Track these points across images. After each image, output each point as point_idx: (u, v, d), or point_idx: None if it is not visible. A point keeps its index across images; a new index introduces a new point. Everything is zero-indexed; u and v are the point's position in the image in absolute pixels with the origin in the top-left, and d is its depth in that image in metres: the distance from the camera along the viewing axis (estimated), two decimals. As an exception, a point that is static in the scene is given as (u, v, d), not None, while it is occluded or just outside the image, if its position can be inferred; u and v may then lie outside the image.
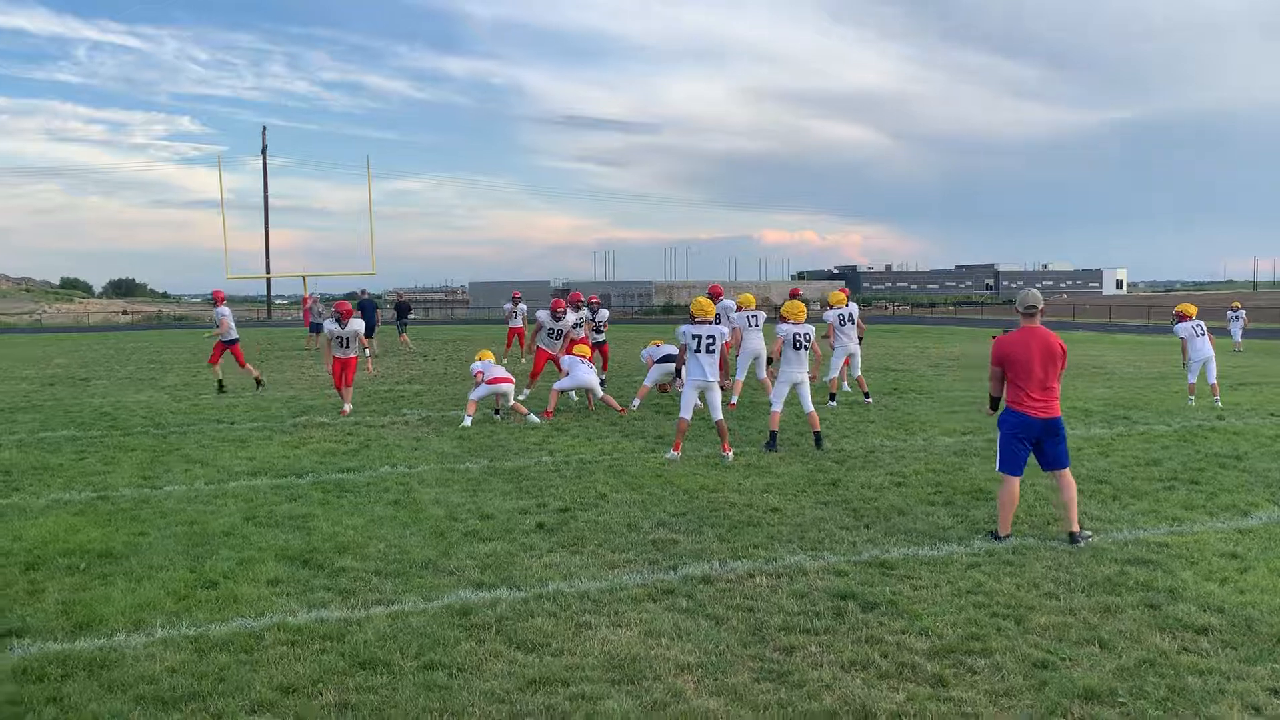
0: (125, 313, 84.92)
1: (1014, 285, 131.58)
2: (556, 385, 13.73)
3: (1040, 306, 7.02)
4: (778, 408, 11.08)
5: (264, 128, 72.11)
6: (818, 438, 10.95)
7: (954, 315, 70.04)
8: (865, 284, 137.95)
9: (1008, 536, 6.92)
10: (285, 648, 5.04)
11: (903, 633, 5.16)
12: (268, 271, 74.74)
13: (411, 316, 47.33)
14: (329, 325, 14.11)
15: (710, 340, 10.36)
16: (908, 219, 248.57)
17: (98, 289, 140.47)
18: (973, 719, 4.18)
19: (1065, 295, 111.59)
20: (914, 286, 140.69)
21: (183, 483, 9.24)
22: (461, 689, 4.52)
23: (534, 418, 12.95)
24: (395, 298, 37.95)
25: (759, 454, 10.45)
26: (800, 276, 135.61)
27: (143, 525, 7.58)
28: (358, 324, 14.13)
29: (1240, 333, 28.93)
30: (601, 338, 16.94)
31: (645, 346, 15.33)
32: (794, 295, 13.18)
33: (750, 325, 14.38)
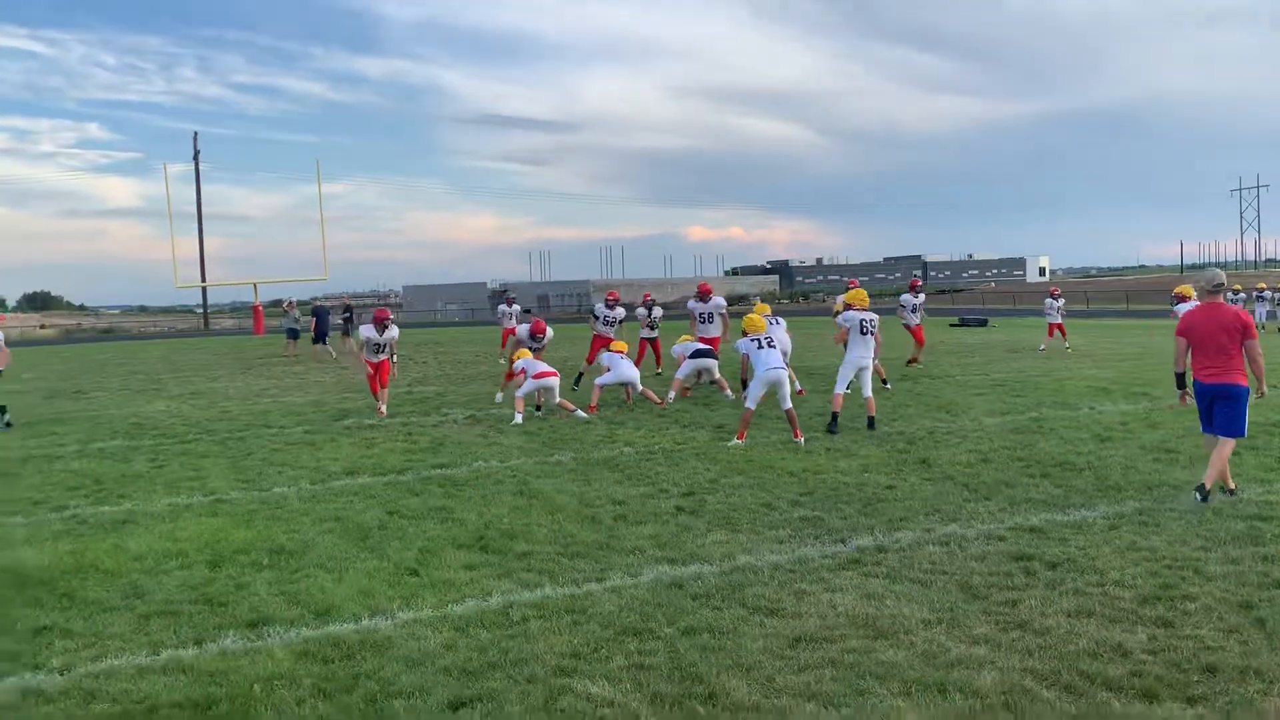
0: (43, 326, 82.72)
1: (941, 275, 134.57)
2: (599, 380, 14.06)
3: (1223, 283, 7.64)
4: (841, 390, 11.56)
5: (195, 134, 70.77)
6: (870, 421, 11.45)
7: (888, 305, 71.59)
8: (798, 278, 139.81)
9: (1228, 491, 7.57)
10: (538, 622, 5.33)
11: (1100, 585, 5.63)
12: (203, 280, 73.43)
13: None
14: (366, 331, 14.21)
15: (770, 339, 10.90)
16: (832, 213, 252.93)
17: (11, 303, 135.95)
18: (1217, 650, 4.65)
19: (993, 285, 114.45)
20: (845, 279, 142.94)
21: (288, 484, 9.38)
22: (735, 648, 4.87)
23: (581, 412, 13.24)
24: (344, 303, 37.63)
25: (828, 438, 10.89)
26: (734, 272, 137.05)
27: (289, 524, 7.75)
28: (394, 330, 14.29)
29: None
30: (655, 334, 17.56)
31: (675, 343, 15.68)
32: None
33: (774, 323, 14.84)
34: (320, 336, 27.34)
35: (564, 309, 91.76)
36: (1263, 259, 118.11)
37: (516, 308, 23.29)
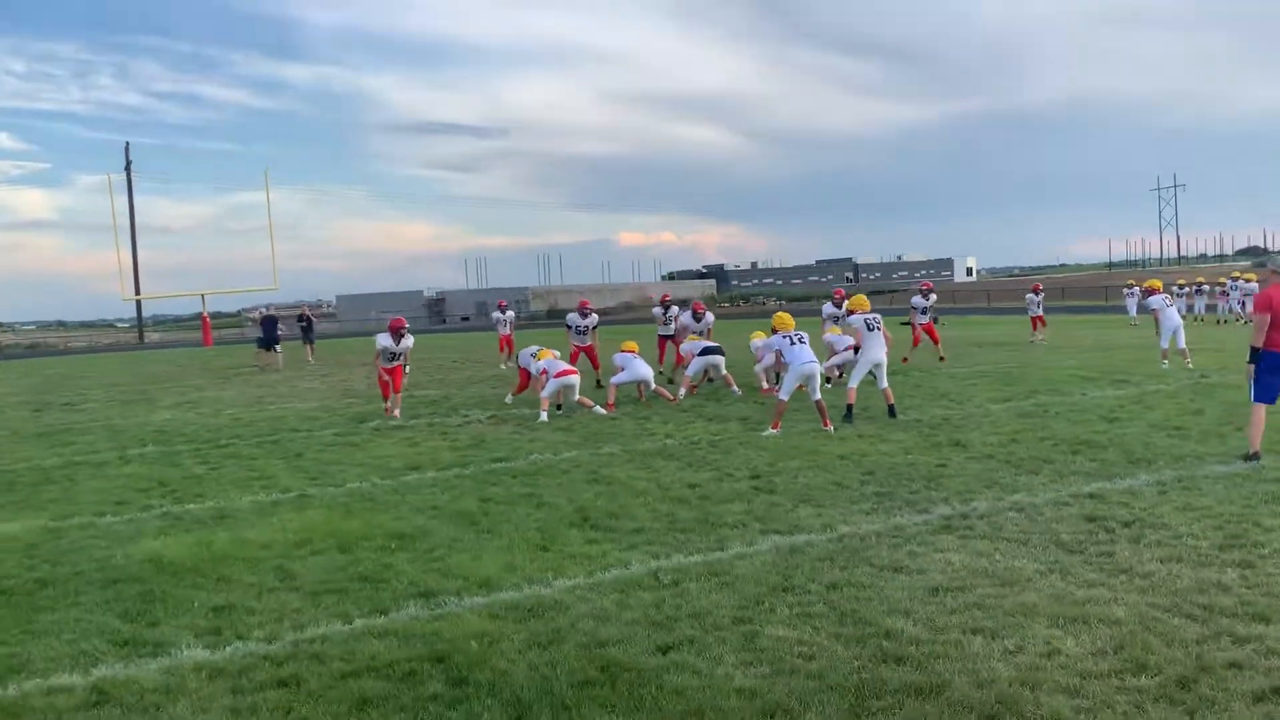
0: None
1: (872, 276, 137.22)
2: (614, 380, 14.62)
3: None
4: (854, 384, 12.29)
5: (126, 144, 69.69)
6: (891, 409, 12.19)
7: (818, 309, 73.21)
8: (733, 281, 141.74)
9: (1256, 455, 8.35)
10: (690, 584, 5.88)
11: (1176, 538, 6.36)
12: (137, 292, 72.25)
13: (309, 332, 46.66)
14: (383, 340, 14.58)
15: (800, 336, 11.63)
16: (763, 216, 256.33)
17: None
18: (1304, 584, 5.38)
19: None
20: (779, 282, 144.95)
21: (359, 480, 9.77)
22: (882, 598, 5.48)
23: (600, 409, 13.77)
24: (301, 312, 37.39)
25: (857, 426, 11.57)
26: (671, 277, 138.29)
27: (391, 513, 8.18)
28: (409, 339, 14.71)
29: (1135, 308, 31.74)
30: (671, 330, 18.29)
31: (683, 342, 16.30)
32: (838, 294, 14.60)
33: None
34: (268, 343, 27.78)
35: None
36: (1183, 255, 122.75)
37: (511, 314, 23.84)
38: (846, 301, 14.13)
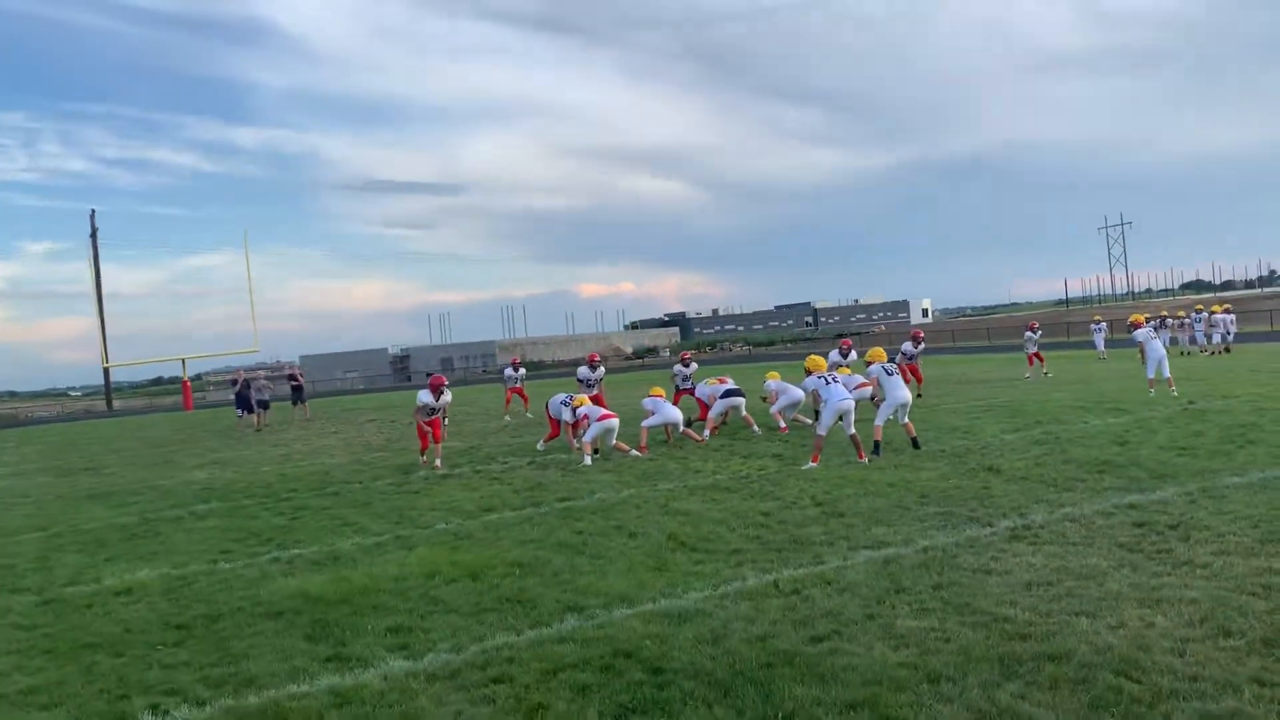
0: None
1: (831, 320, 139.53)
2: (645, 423, 15.46)
3: None
4: (880, 422, 13.25)
5: (92, 211, 69.89)
6: (914, 442, 13.14)
7: (789, 350, 74.94)
8: (695, 329, 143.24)
9: None
10: (811, 590, 6.70)
11: (1220, 536, 7.31)
12: (105, 360, 71.97)
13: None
14: (424, 397, 15.31)
15: (834, 376, 12.63)
16: (720, 265, 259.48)
17: None
18: (1340, 567, 6.34)
19: (883, 326, 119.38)
20: (740, 328, 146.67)
21: (444, 521, 10.49)
22: (984, 593, 6.33)
23: (635, 452, 14.60)
24: (289, 372, 37.79)
25: (887, 459, 12.50)
26: (635, 326, 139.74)
27: (495, 548, 8.93)
28: (448, 395, 15.51)
29: (1103, 343, 33.16)
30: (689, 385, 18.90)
31: (703, 384, 17.21)
32: (845, 345, 15.85)
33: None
34: (247, 407, 28.34)
35: (469, 369, 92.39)
36: (1132, 290, 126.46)
37: (523, 371, 24.88)
38: (866, 354, 15.06)
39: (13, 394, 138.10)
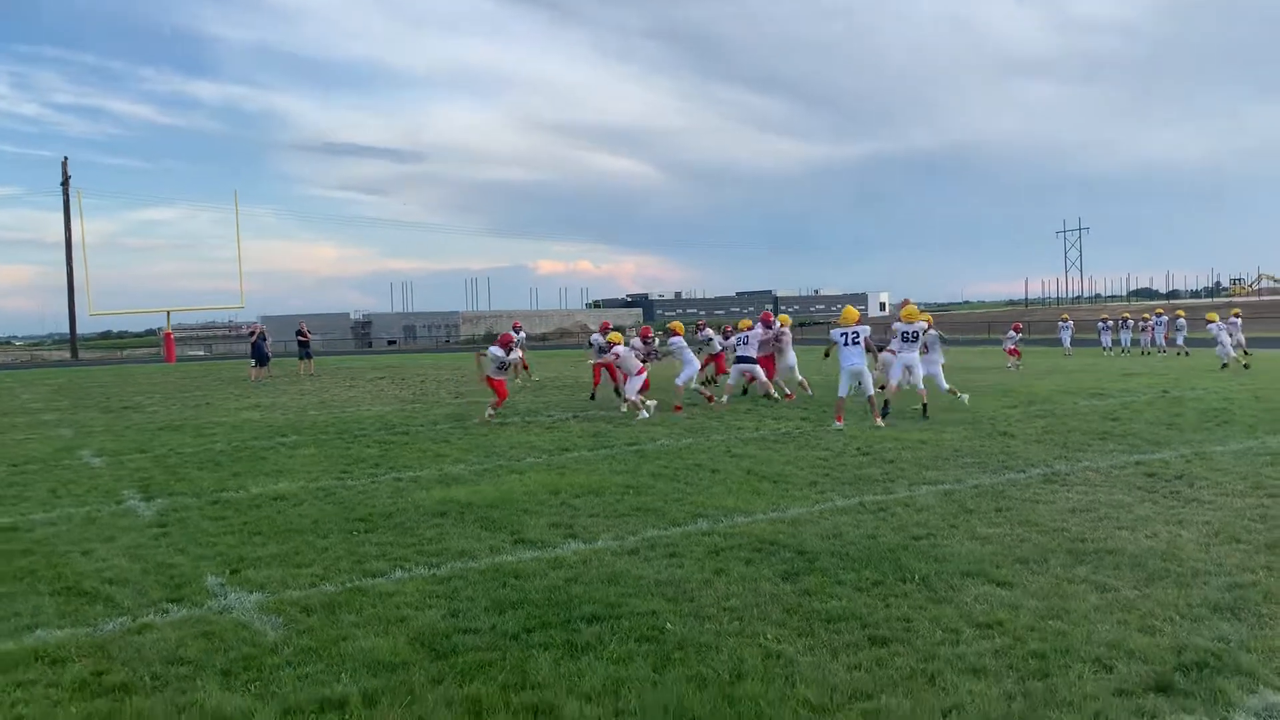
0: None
1: (791, 309, 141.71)
2: (678, 380, 16.94)
3: None
4: (893, 383, 14.84)
5: (65, 158, 69.46)
6: (924, 409, 14.72)
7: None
8: (658, 310, 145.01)
9: None
10: (899, 510, 8.24)
11: (1219, 482, 8.95)
12: (71, 309, 72.00)
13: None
14: (495, 351, 16.51)
15: (855, 335, 14.07)
16: (679, 248, 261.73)
17: None
18: (1317, 506, 8.00)
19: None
20: (702, 312, 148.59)
21: (532, 456, 11.89)
22: (1036, 515, 7.89)
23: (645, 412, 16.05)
24: (299, 328, 38.83)
25: (906, 421, 14.09)
26: (597, 305, 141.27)
27: (601, 473, 10.36)
28: (518, 352, 16.82)
29: (1070, 340, 35.18)
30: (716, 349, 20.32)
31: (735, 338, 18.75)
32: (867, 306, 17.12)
33: (849, 342, 18.00)
34: (264, 360, 30.12)
35: (434, 339, 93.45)
36: (1086, 293, 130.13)
37: (523, 335, 26.04)
38: (902, 312, 16.35)
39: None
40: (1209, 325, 26.59)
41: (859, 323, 14.43)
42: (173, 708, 4.39)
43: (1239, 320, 26.59)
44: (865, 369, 14.09)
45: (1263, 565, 6.23)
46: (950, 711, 4.15)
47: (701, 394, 17.24)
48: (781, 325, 18.66)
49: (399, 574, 6.59)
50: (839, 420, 13.87)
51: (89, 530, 8.30)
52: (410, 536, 7.75)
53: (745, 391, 18.70)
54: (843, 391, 14.11)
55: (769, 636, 5.10)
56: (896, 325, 15.23)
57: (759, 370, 17.60)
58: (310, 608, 5.84)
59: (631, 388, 16.00)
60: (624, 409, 16.40)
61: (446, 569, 6.71)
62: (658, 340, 19.12)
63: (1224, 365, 24.03)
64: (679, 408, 16.24)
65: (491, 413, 16.44)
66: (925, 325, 15.86)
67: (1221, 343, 25.12)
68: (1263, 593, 5.64)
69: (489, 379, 16.63)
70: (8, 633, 5.56)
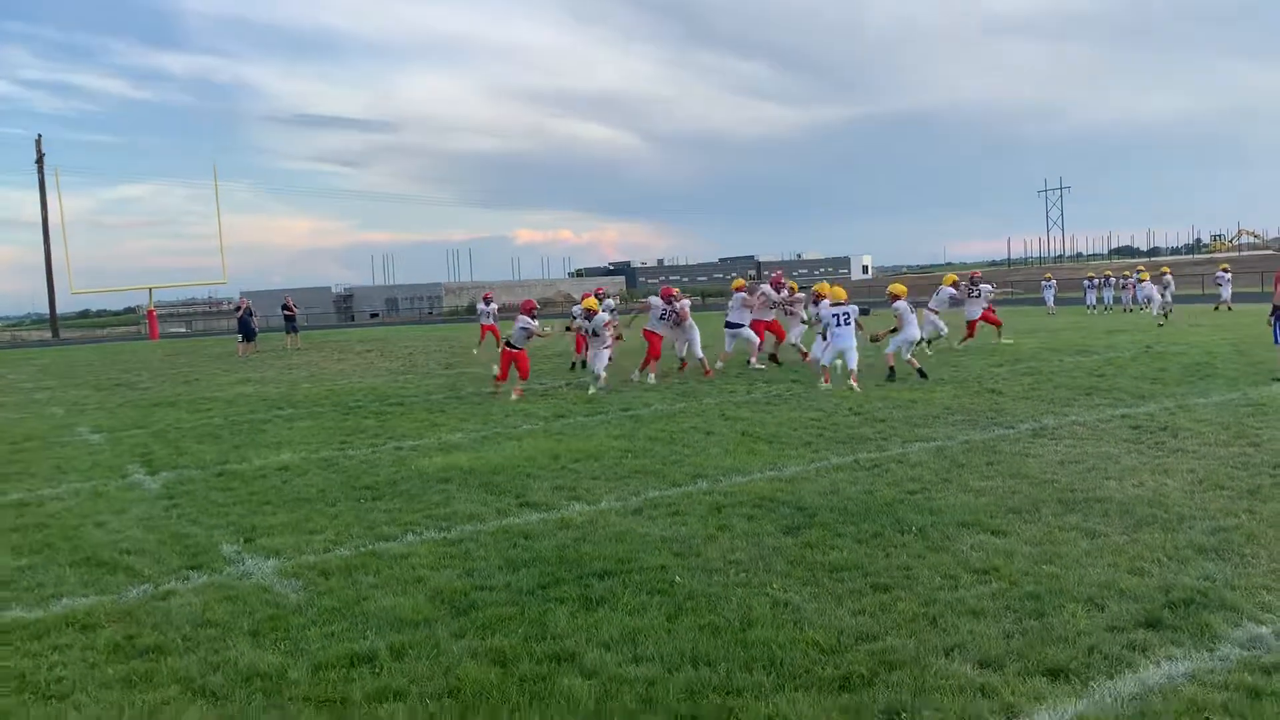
0: None
1: (772, 273, 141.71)
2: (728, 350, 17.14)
3: None
4: (891, 350, 15.07)
5: (39, 135, 68.81)
6: (891, 372, 14.84)
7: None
8: (641, 278, 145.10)
9: None
10: (893, 466, 8.47)
11: (1201, 433, 9.21)
12: (50, 289, 71.56)
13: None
14: (523, 322, 16.07)
15: (847, 315, 14.27)
16: (661, 215, 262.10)
17: None
18: (1297, 453, 8.27)
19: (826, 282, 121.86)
20: (685, 279, 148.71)
21: (528, 424, 12.07)
22: (1027, 468, 8.13)
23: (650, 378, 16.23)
24: (285, 303, 38.79)
25: (895, 384, 14.30)
26: (580, 274, 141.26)
27: (598, 437, 10.55)
28: (537, 323, 16.72)
29: (1053, 299, 35.53)
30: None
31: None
32: (840, 289, 17.24)
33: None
34: (251, 335, 30.56)
35: (417, 311, 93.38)
36: (1072, 252, 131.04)
37: (494, 306, 26.18)
38: (890, 288, 16.47)
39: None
40: (1140, 284, 28.41)
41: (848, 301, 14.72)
42: (207, 665, 4.56)
43: (1169, 278, 29.65)
44: (853, 347, 14.26)
45: (1245, 509, 6.47)
46: (952, 650, 4.36)
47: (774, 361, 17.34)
48: (792, 291, 18.75)
49: (410, 538, 6.76)
50: (825, 380, 14.08)
51: (99, 504, 8.44)
52: (417, 502, 7.92)
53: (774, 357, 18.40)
54: (825, 361, 14.32)
55: (775, 586, 5.31)
56: (901, 303, 15.26)
57: (749, 334, 17.72)
58: (328, 571, 6.01)
59: (600, 361, 15.86)
60: (596, 387, 15.98)
61: (456, 532, 6.89)
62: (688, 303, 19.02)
63: (1160, 324, 24.94)
64: (709, 372, 16.48)
65: (510, 387, 16.32)
66: (858, 307, 15.83)
67: (1154, 300, 27.63)
68: (1245, 535, 5.88)
69: (508, 351, 16.11)
70: (35, 601, 5.72)
